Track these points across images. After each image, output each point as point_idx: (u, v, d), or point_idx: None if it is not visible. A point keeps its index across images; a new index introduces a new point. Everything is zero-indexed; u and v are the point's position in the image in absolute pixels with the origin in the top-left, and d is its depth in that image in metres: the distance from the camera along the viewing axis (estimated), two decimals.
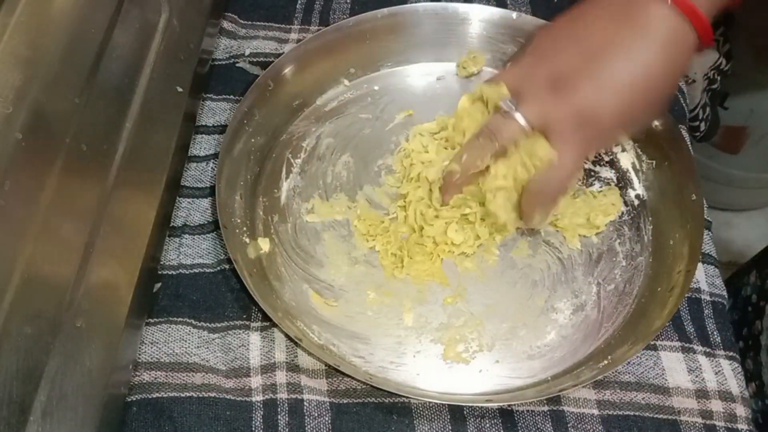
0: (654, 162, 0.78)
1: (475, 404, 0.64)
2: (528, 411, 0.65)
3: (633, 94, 0.65)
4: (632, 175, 0.79)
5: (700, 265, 0.73)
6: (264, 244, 0.72)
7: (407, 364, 0.67)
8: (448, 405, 0.64)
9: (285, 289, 0.71)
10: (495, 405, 0.65)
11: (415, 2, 0.87)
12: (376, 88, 0.85)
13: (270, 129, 0.80)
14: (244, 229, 0.72)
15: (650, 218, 0.76)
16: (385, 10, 0.84)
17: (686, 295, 0.69)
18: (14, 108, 0.54)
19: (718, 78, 1.19)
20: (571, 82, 0.65)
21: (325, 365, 0.66)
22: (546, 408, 0.65)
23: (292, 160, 0.79)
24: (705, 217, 0.74)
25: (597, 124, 0.65)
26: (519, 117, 0.67)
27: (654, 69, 0.65)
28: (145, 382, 0.63)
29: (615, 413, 0.65)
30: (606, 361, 0.66)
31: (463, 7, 0.85)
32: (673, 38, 0.64)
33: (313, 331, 0.68)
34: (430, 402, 0.64)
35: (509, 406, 0.65)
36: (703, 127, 1.22)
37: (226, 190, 0.72)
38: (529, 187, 0.68)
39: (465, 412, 0.64)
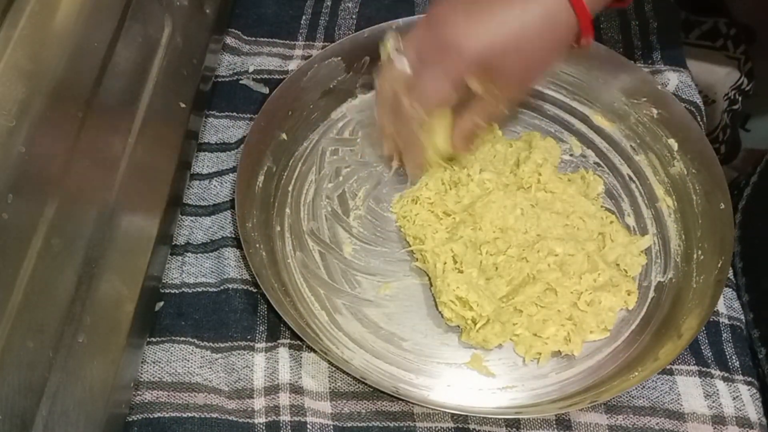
0: (683, 172, 0.81)
1: (488, 415, 0.67)
2: None
3: (500, 38, 0.68)
4: (657, 184, 0.82)
5: None
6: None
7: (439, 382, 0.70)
8: (453, 427, 0.67)
9: (306, 308, 0.73)
10: (504, 417, 0.67)
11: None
12: None
13: (285, 144, 0.82)
14: (262, 245, 0.75)
15: (678, 228, 0.79)
16: (399, 21, 0.87)
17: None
18: (17, 121, 0.56)
19: (740, 98, 1.20)
20: (446, 17, 0.69)
21: (361, 386, 0.68)
22: None
23: (308, 177, 0.82)
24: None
25: (457, 51, 0.68)
26: (397, 59, 0.72)
27: (531, 28, 0.68)
28: (146, 401, 0.65)
29: None
30: (636, 373, 0.68)
31: None
32: (556, 13, 0.68)
33: (342, 353, 0.70)
34: (437, 426, 0.66)
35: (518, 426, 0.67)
36: (723, 149, 1.23)
37: (244, 205, 0.74)
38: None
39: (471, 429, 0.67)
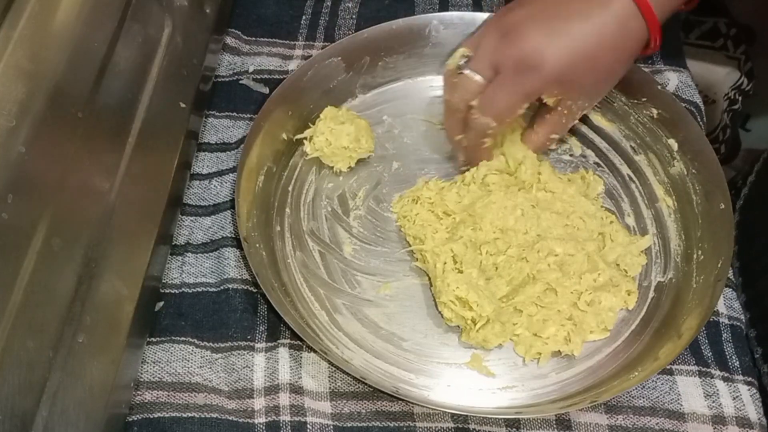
0: (683, 172, 0.80)
1: (486, 415, 0.67)
2: None
3: (579, 54, 0.69)
4: (657, 184, 0.82)
5: None
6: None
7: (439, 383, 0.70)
8: (453, 427, 0.67)
9: (306, 308, 0.73)
10: (504, 417, 0.67)
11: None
12: (390, 101, 0.89)
13: (285, 144, 0.82)
14: (262, 245, 0.74)
15: (678, 228, 0.79)
16: (399, 21, 0.87)
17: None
18: (17, 121, 0.56)
19: (740, 98, 1.20)
20: (520, 29, 0.70)
21: (362, 386, 0.68)
22: None
23: (308, 177, 0.82)
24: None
25: (537, 69, 0.69)
26: (468, 71, 0.73)
27: (605, 41, 0.70)
28: (146, 401, 0.65)
29: None
30: (636, 373, 0.68)
31: (479, 16, 0.88)
32: (628, 22, 0.69)
33: (342, 353, 0.70)
34: (437, 426, 0.66)
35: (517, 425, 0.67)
36: (723, 149, 1.24)
37: (244, 205, 0.74)
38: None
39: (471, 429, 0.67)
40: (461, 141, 0.78)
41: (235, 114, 0.86)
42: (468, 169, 0.80)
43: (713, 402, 0.69)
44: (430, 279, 0.74)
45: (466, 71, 0.73)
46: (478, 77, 0.72)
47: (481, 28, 0.78)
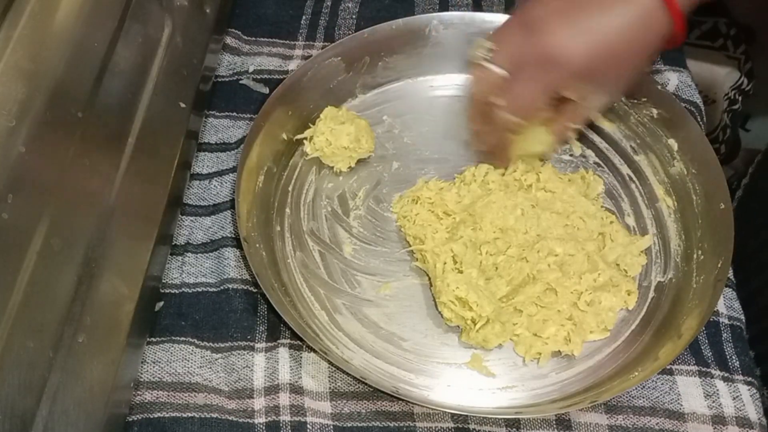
0: (683, 172, 0.80)
1: (488, 415, 0.67)
2: None
3: (602, 49, 0.69)
4: (657, 184, 0.82)
5: None
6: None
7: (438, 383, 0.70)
8: (453, 427, 0.66)
9: (306, 308, 0.73)
10: (504, 417, 0.67)
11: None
12: (390, 101, 0.89)
13: (285, 144, 0.82)
14: (262, 245, 0.74)
15: (678, 228, 0.79)
16: (399, 21, 0.87)
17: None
18: (17, 121, 0.56)
19: (740, 98, 1.20)
20: (543, 23, 0.69)
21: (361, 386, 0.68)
22: None
23: (308, 177, 0.82)
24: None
25: (561, 64, 0.69)
26: (490, 65, 0.72)
27: (628, 33, 0.69)
28: (146, 401, 0.65)
29: None
30: (636, 373, 0.67)
31: (478, 16, 0.88)
32: (651, 15, 0.68)
33: (342, 353, 0.70)
34: (437, 426, 0.66)
35: (517, 425, 0.67)
36: (723, 149, 1.24)
37: (244, 205, 0.74)
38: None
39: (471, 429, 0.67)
40: (479, 133, 0.79)
41: (235, 114, 0.86)
42: (480, 162, 0.81)
43: (713, 402, 0.69)
44: (430, 279, 0.74)
45: (490, 65, 0.72)
46: (500, 71, 0.72)
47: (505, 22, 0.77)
